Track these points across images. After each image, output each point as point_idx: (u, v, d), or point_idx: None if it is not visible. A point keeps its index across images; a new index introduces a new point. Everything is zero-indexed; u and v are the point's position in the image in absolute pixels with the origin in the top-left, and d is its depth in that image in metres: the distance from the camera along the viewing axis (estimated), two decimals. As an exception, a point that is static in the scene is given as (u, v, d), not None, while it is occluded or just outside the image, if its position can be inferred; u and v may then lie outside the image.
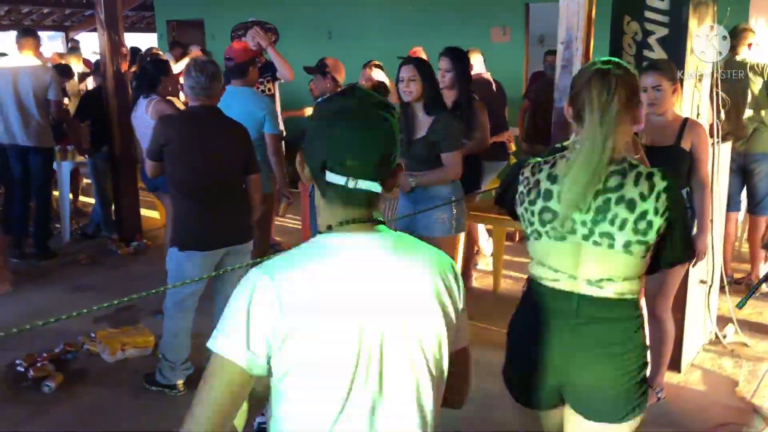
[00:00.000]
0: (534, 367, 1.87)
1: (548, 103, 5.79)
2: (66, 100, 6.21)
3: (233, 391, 1.18)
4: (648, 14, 3.40)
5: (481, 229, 5.30)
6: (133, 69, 6.17)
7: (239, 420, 1.22)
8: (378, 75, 5.17)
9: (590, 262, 1.78)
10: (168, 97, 4.64)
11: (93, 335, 3.98)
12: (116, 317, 4.31)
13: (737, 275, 4.88)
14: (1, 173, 5.36)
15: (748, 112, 4.57)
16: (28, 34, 5.50)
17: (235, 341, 1.17)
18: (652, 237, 1.75)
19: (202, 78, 3.19)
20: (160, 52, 6.77)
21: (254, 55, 4.39)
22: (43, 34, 5.84)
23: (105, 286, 4.93)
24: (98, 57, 6.58)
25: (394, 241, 1.26)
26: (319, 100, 3.51)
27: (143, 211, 6.24)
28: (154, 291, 2.60)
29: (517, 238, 5.85)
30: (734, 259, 5.05)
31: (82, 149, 6.07)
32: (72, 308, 2.63)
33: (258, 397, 1.33)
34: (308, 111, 5.88)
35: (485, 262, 5.38)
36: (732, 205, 4.49)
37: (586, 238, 1.77)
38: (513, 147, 5.39)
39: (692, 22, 3.33)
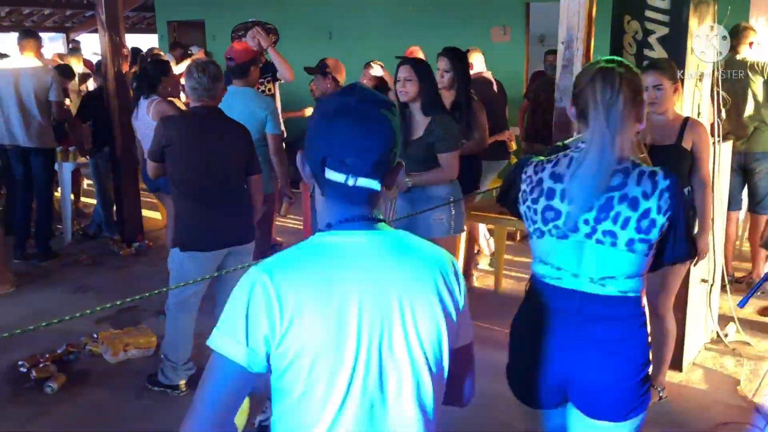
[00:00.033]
0: (537, 366, 1.87)
1: (547, 103, 5.83)
2: (67, 101, 6.21)
3: (233, 389, 1.19)
4: (648, 13, 3.40)
5: (482, 229, 5.31)
6: (134, 69, 6.18)
7: (240, 419, 1.22)
8: (376, 71, 5.18)
9: (593, 260, 1.78)
10: (169, 98, 4.64)
11: (95, 336, 3.99)
12: (118, 318, 4.31)
13: (738, 274, 4.89)
14: (2, 174, 5.37)
15: (749, 111, 4.57)
16: (29, 35, 5.51)
17: (234, 339, 1.17)
18: (654, 235, 1.75)
19: (204, 79, 3.20)
20: (162, 53, 6.78)
21: (255, 55, 4.40)
22: (43, 36, 5.84)
23: (107, 286, 4.93)
24: (99, 58, 6.59)
25: (393, 239, 1.26)
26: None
27: (144, 212, 6.25)
28: (156, 291, 2.61)
29: (518, 238, 5.85)
30: (735, 258, 5.05)
31: (83, 150, 6.08)
32: (74, 309, 2.64)
33: (258, 395, 1.33)
34: (309, 111, 5.88)
35: (486, 262, 5.38)
36: (733, 204, 4.49)
37: (588, 236, 1.77)
38: (513, 146, 5.39)
39: (693, 21, 3.34)
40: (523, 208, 1.89)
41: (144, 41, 12.39)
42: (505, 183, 2.03)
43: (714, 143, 3.42)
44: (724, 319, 4.04)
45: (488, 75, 5.21)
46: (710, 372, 3.65)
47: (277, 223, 5.62)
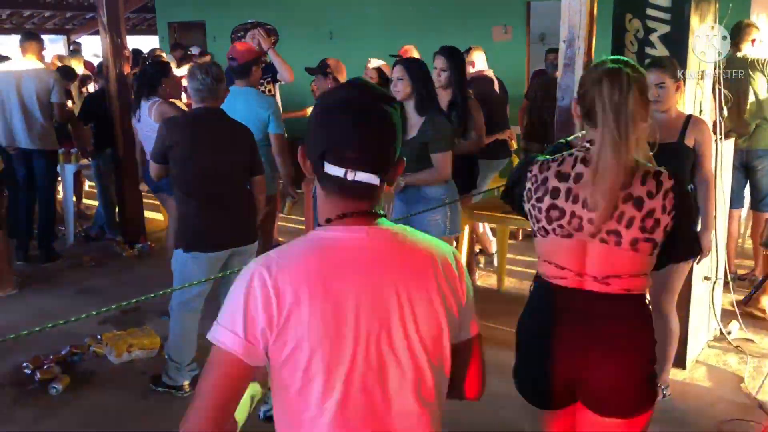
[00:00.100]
0: (545, 366, 1.87)
1: (543, 102, 5.83)
2: (69, 103, 6.22)
3: (232, 382, 1.19)
4: (650, 11, 3.40)
5: (486, 227, 5.30)
6: (135, 71, 6.18)
7: (241, 414, 1.23)
8: (374, 63, 5.18)
9: (597, 259, 1.79)
10: (170, 99, 4.64)
11: (99, 337, 4.00)
12: (122, 319, 4.32)
13: (741, 271, 4.89)
14: (5, 176, 5.37)
15: (750, 109, 4.56)
16: (31, 37, 5.51)
17: (232, 332, 1.18)
18: (659, 235, 1.76)
19: (208, 80, 3.20)
20: (164, 54, 6.78)
21: (257, 56, 4.40)
22: (44, 38, 5.84)
23: (109, 288, 4.94)
24: (100, 59, 6.60)
25: (393, 234, 1.26)
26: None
27: (147, 213, 6.25)
28: (161, 292, 2.62)
29: (520, 237, 5.85)
30: (738, 256, 5.05)
31: (85, 151, 6.09)
32: (77, 310, 2.65)
33: (259, 386, 1.33)
34: (310, 111, 5.88)
35: (487, 261, 5.36)
36: (735, 201, 4.49)
37: (593, 235, 1.78)
38: (514, 145, 5.39)
39: (694, 19, 3.34)
40: (527, 207, 1.89)
41: (145, 43, 12.40)
42: (509, 181, 2.03)
43: (716, 141, 3.42)
44: (726, 317, 4.05)
45: (489, 73, 5.21)
46: (714, 369, 3.65)
47: (279, 223, 5.63)
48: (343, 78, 4.67)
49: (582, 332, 1.82)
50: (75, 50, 9.82)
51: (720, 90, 3.59)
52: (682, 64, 3.28)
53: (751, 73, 4.52)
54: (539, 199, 1.84)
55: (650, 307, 1.91)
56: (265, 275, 1.18)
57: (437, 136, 3.40)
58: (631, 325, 1.82)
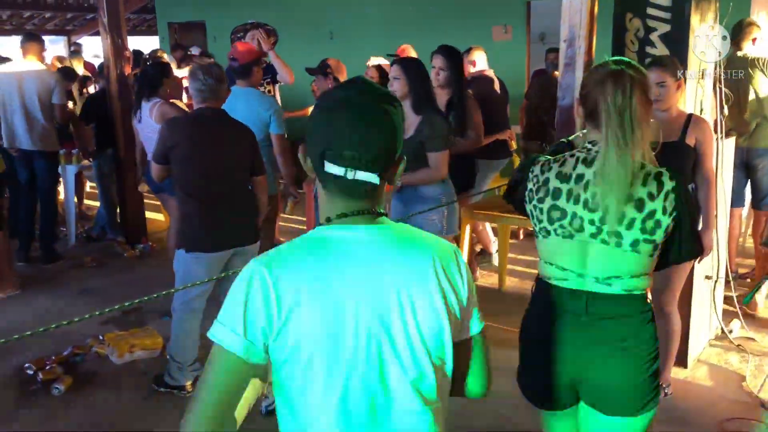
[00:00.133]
0: (548, 368, 1.87)
1: (540, 101, 5.83)
2: (70, 104, 6.22)
3: (232, 380, 1.19)
4: (650, 11, 3.40)
5: (488, 226, 5.30)
6: (136, 72, 6.19)
7: (240, 412, 1.23)
8: (375, 61, 5.18)
9: (598, 260, 1.79)
10: (170, 100, 4.65)
11: (101, 338, 4.00)
12: (124, 319, 4.33)
13: (742, 270, 4.89)
14: (6, 177, 5.38)
15: (751, 108, 4.56)
16: (32, 38, 5.52)
17: (233, 331, 1.18)
18: (659, 236, 1.76)
19: (210, 81, 3.21)
20: (165, 55, 6.78)
21: (258, 56, 4.41)
22: (45, 39, 5.85)
23: (111, 288, 4.95)
24: (100, 60, 6.60)
25: (394, 233, 1.26)
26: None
27: (148, 214, 6.26)
28: (164, 293, 2.62)
29: (521, 236, 5.86)
30: (739, 255, 5.05)
31: (86, 152, 6.09)
32: (79, 311, 2.65)
33: (260, 381, 1.33)
34: (311, 111, 5.88)
35: (485, 260, 5.37)
36: (736, 200, 4.49)
37: (593, 236, 1.78)
38: (514, 145, 5.39)
39: (694, 18, 3.34)
40: (529, 207, 1.90)
41: (145, 43, 12.41)
42: (511, 181, 2.04)
43: (717, 140, 3.42)
44: (728, 315, 4.05)
45: (490, 73, 5.21)
46: (715, 368, 3.65)
47: (280, 223, 5.64)
48: (343, 78, 4.68)
49: (585, 333, 1.83)
50: (75, 51, 9.82)
51: (721, 89, 3.59)
52: (683, 63, 3.28)
53: (751, 71, 4.52)
54: (540, 200, 1.85)
55: (652, 305, 1.90)
56: (266, 274, 1.19)
57: (433, 134, 3.40)
58: (633, 324, 1.82)
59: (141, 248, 5.83)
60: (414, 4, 8.01)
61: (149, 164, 3.99)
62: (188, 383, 3.42)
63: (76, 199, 6.55)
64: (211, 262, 3.28)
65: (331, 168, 1.21)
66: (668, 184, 1.74)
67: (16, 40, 6.48)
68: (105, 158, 5.90)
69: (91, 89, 7.32)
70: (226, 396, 1.19)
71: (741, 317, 3.97)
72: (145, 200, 6.10)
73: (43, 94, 5.33)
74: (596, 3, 3.42)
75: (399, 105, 1.26)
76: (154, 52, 7.05)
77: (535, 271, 1.98)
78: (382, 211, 1.28)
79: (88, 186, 7.44)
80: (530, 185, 1.89)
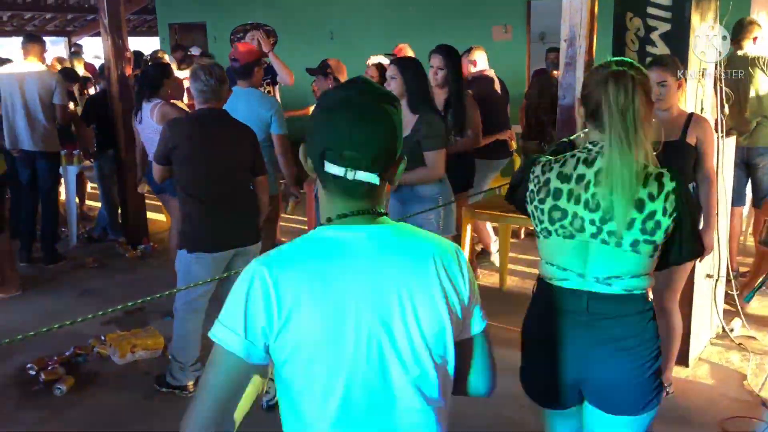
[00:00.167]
0: (552, 367, 1.88)
1: (540, 100, 5.83)
2: (72, 105, 6.23)
3: (232, 380, 1.20)
4: (650, 10, 3.40)
5: (488, 226, 5.30)
6: (137, 73, 6.19)
7: (239, 412, 1.24)
8: (375, 59, 5.18)
9: (598, 260, 1.80)
10: (171, 101, 4.65)
11: (103, 338, 4.01)
12: (125, 320, 4.33)
13: (743, 269, 4.89)
14: (8, 178, 5.39)
15: (751, 107, 4.57)
16: (33, 39, 5.53)
17: (233, 331, 1.19)
18: (659, 237, 1.76)
19: (211, 81, 3.22)
20: (166, 56, 6.79)
21: (259, 56, 4.41)
22: (45, 39, 5.86)
23: (113, 289, 4.95)
24: (101, 61, 6.61)
25: (394, 233, 1.26)
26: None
27: (149, 214, 6.27)
28: (167, 293, 2.62)
29: (522, 235, 5.86)
30: (739, 253, 5.05)
31: (88, 153, 6.10)
32: (80, 311, 2.65)
33: (260, 378, 1.33)
34: (312, 110, 5.88)
35: (484, 260, 5.36)
36: (737, 199, 4.49)
37: (594, 236, 1.79)
38: (514, 146, 5.39)
39: (695, 17, 3.34)
40: (530, 208, 1.90)
41: (145, 44, 12.42)
42: (513, 182, 2.04)
43: (717, 139, 3.42)
44: (729, 314, 4.05)
45: (491, 73, 5.21)
46: (716, 367, 3.66)
47: (281, 223, 5.64)
48: (343, 78, 4.68)
49: (586, 333, 1.83)
50: (76, 52, 9.82)
51: (721, 88, 3.59)
52: (683, 62, 3.28)
53: (751, 70, 4.52)
54: (541, 201, 1.85)
55: (653, 305, 1.91)
56: (266, 275, 1.19)
57: (430, 133, 3.40)
58: (634, 324, 1.83)
59: (142, 249, 5.84)
60: (414, 4, 8.01)
61: (150, 165, 4.00)
62: (190, 383, 3.43)
63: (77, 200, 6.56)
64: (212, 263, 3.29)
65: (331, 168, 1.21)
66: (668, 185, 1.74)
67: (16, 41, 6.49)
68: (106, 159, 5.91)
69: (92, 90, 7.33)
70: (226, 396, 1.20)
71: (742, 316, 3.98)
72: (147, 201, 6.10)
73: (45, 94, 5.34)
74: (596, 2, 3.43)
75: (399, 105, 1.26)
76: (155, 53, 7.06)
77: (536, 271, 1.98)
78: (382, 211, 1.28)
79: (89, 187, 7.44)
80: (531, 186, 1.89)
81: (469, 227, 4.72)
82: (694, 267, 3.35)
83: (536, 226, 1.89)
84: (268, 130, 4.17)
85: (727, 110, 3.64)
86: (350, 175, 1.20)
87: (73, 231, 6.12)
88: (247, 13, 8.36)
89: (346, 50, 6.99)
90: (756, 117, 4.58)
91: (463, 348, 1.33)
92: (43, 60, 5.56)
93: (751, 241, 5.20)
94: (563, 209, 1.81)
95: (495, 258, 5.24)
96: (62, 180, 6.12)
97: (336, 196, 1.25)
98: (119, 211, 6.13)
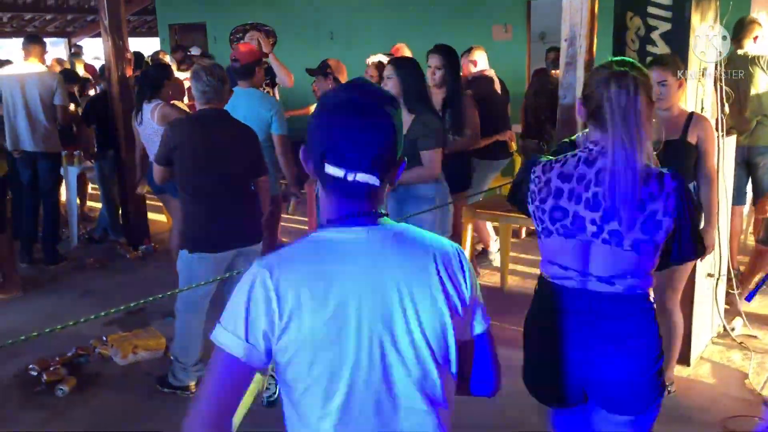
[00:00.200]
0: (554, 366, 1.88)
1: (539, 100, 5.83)
2: (72, 106, 6.23)
3: (233, 383, 1.21)
4: (651, 9, 3.41)
5: (488, 226, 5.30)
6: (137, 74, 6.19)
7: (239, 413, 1.24)
8: (374, 58, 5.19)
9: (599, 259, 1.80)
10: (172, 101, 4.66)
11: (104, 339, 4.01)
12: (127, 320, 4.33)
13: (744, 268, 4.88)
14: (9, 179, 5.40)
15: (751, 106, 4.57)
16: (34, 40, 5.53)
17: (234, 334, 1.19)
18: (660, 236, 1.77)
19: (213, 81, 3.22)
20: (166, 57, 6.79)
21: (260, 57, 4.41)
22: (46, 41, 5.87)
23: (114, 289, 4.95)
24: (101, 62, 6.61)
25: (395, 234, 1.26)
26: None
27: (150, 215, 6.27)
28: (168, 293, 2.63)
29: (523, 235, 5.86)
30: (740, 252, 5.05)
31: (88, 154, 6.10)
32: (82, 312, 2.65)
33: (261, 375, 1.33)
34: (313, 109, 5.88)
35: (483, 260, 5.36)
36: (737, 198, 4.49)
37: (595, 235, 1.79)
38: (514, 146, 5.39)
39: (695, 17, 3.34)
40: (531, 208, 1.91)
41: (146, 45, 12.43)
42: (514, 182, 2.05)
43: (718, 138, 3.42)
44: (730, 313, 4.05)
45: (491, 73, 5.21)
46: (718, 366, 3.66)
47: (282, 224, 5.64)
48: (343, 78, 4.68)
49: (588, 332, 1.83)
50: (76, 53, 9.83)
51: (721, 87, 3.59)
52: (684, 61, 3.28)
53: (751, 70, 4.52)
54: (543, 201, 1.85)
55: (654, 304, 1.91)
56: (267, 278, 1.19)
57: (426, 133, 3.40)
58: (636, 323, 1.83)
59: (143, 249, 5.84)
60: (414, 4, 8.01)
61: (150, 166, 4.00)
62: (192, 384, 3.43)
63: (78, 201, 6.56)
64: (214, 263, 3.29)
65: (332, 170, 1.21)
66: (669, 185, 1.75)
67: (17, 42, 6.50)
68: (106, 160, 5.91)
69: (92, 92, 7.33)
70: (227, 398, 1.21)
71: (743, 315, 3.98)
72: (147, 201, 6.10)
73: (45, 95, 5.35)
74: (596, 2, 3.43)
75: (399, 106, 1.27)
76: (156, 53, 7.07)
77: (537, 271, 1.99)
78: (383, 211, 1.28)
79: (90, 187, 7.44)
80: (532, 186, 1.89)
81: (470, 227, 4.72)
82: (695, 266, 3.35)
83: (537, 225, 1.90)
84: (268, 130, 4.17)
85: (727, 109, 3.64)
86: (350, 177, 1.20)
87: (74, 232, 6.12)
88: (247, 13, 8.35)
89: (346, 50, 6.99)
90: (756, 116, 4.58)
91: (466, 348, 1.34)
92: (43, 61, 5.57)
93: (751, 240, 5.20)
94: (564, 209, 1.81)
95: (495, 258, 5.24)
96: (63, 181, 6.13)
97: (336, 198, 1.25)
98: (120, 211, 6.13)
